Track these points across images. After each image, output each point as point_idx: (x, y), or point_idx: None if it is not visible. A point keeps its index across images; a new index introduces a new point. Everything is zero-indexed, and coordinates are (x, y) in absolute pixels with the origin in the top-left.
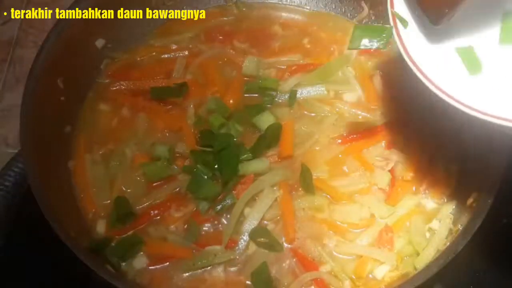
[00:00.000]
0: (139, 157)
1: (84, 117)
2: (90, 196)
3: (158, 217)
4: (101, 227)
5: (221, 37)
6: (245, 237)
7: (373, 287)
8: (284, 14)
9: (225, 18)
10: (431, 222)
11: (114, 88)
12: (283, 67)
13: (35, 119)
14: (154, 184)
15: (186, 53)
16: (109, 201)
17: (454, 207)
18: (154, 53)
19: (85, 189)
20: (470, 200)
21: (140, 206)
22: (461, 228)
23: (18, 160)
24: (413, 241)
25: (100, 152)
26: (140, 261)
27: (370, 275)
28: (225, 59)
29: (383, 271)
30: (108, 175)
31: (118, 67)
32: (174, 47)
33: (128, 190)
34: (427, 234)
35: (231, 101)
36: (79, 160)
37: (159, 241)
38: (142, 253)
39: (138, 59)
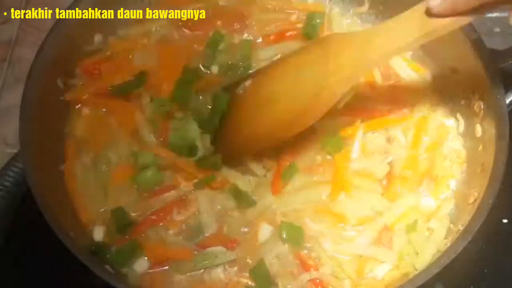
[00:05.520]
0: (125, 169)
1: (71, 119)
2: (84, 204)
3: (159, 223)
4: (98, 235)
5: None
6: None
7: (373, 287)
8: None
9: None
10: (430, 221)
11: (82, 89)
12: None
13: (35, 119)
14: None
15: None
16: (104, 209)
17: (454, 206)
18: (125, 45)
19: (78, 196)
20: (470, 200)
21: (139, 213)
22: (461, 228)
23: (17, 160)
24: (412, 240)
25: (89, 157)
26: (140, 264)
27: (370, 275)
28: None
29: (383, 271)
30: (100, 181)
31: (88, 63)
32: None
33: (123, 198)
34: (426, 234)
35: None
36: (70, 165)
37: (160, 243)
38: (142, 256)
39: (108, 53)
